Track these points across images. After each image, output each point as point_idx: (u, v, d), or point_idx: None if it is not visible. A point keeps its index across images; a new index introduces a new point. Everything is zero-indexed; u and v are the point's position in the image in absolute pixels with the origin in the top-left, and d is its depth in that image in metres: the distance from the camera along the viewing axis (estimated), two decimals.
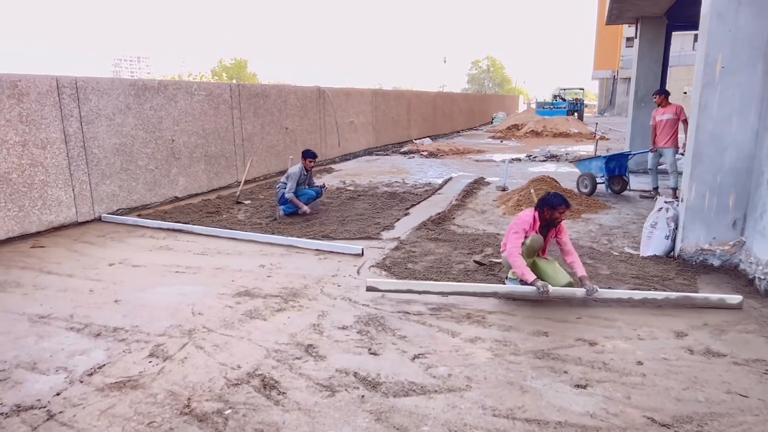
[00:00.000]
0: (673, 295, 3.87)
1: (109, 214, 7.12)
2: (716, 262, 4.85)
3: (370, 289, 4.08)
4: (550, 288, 3.95)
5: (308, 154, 7.33)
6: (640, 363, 3.18)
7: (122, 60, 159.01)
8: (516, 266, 4.06)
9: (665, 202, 5.35)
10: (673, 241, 5.20)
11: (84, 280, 4.74)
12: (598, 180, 8.80)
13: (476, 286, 4.15)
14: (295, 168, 7.23)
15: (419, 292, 4.05)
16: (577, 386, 2.93)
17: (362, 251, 5.44)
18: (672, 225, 5.17)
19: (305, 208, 7.07)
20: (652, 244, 5.25)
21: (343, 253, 5.47)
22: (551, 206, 4.17)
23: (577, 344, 3.43)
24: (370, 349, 3.38)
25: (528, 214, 4.31)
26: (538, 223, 4.26)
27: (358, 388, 2.93)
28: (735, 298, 3.92)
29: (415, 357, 3.27)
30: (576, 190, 8.57)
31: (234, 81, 39.37)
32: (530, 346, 3.41)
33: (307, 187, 7.44)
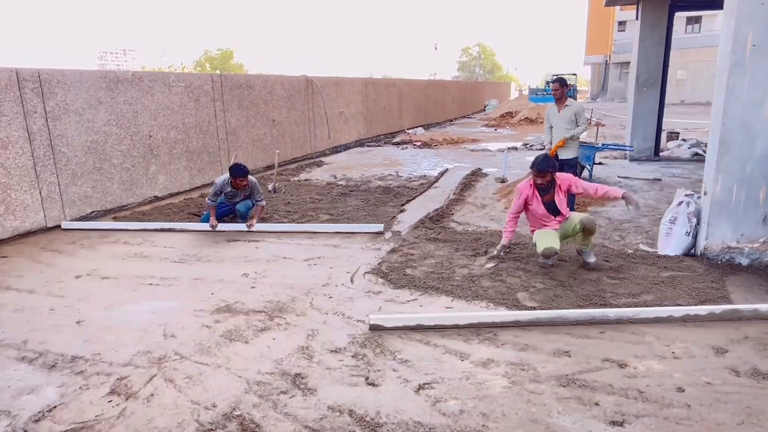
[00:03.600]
0: (718, 309, 3.42)
1: (71, 221, 6.46)
2: (744, 261, 4.43)
3: (374, 328, 3.46)
4: (495, 251, 4.74)
5: (234, 172, 6.01)
6: (680, 390, 2.75)
7: (108, 53, 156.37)
8: (504, 229, 4.81)
9: (686, 195, 4.91)
10: (695, 237, 4.77)
11: (45, 296, 4.23)
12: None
13: (495, 315, 3.58)
14: (219, 179, 6.21)
15: (431, 328, 3.45)
16: (613, 423, 2.49)
17: (383, 229, 5.74)
18: (694, 220, 4.74)
19: (214, 222, 5.96)
20: (672, 241, 4.82)
21: (336, 258, 5.00)
22: (531, 167, 4.53)
23: (605, 366, 2.99)
24: (367, 379, 2.92)
25: (525, 181, 4.73)
26: (533, 188, 4.61)
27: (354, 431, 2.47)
28: None
29: (419, 388, 2.82)
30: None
31: (217, 72, 38.41)
32: (552, 370, 2.97)
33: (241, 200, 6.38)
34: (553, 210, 4.61)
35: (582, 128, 6.25)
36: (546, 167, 4.45)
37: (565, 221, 4.61)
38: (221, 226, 6.02)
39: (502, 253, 4.75)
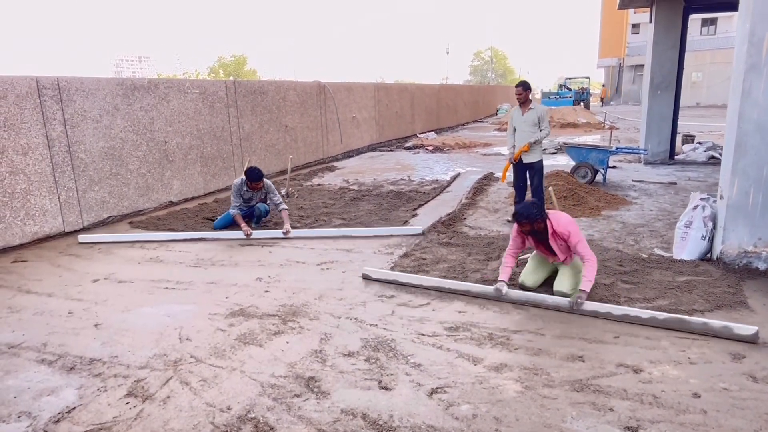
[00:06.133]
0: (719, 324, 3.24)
1: (86, 231, 6.61)
2: (762, 266, 4.37)
3: (365, 277, 4.49)
4: (504, 290, 3.97)
5: (250, 176, 6.18)
6: (696, 395, 2.72)
7: (123, 60, 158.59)
8: (503, 265, 4.14)
9: (701, 199, 4.86)
10: (711, 242, 4.72)
11: (64, 300, 4.31)
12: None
13: (455, 283, 4.26)
14: (237, 180, 6.34)
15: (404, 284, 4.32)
16: (627, 429, 2.47)
17: (423, 231, 5.94)
18: (710, 224, 4.69)
19: (246, 229, 6.00)
20: (687, 245, 4.77)
21: (349, 263, 5.02)
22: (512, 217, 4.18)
23: (619, 371, 2.97)
24: (380, 382, 2.93)
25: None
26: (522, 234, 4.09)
27: None
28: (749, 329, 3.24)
29: (432, 392, 2.82)
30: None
31: (231, 78, 38.69)
32: (565, 374, 2.96)
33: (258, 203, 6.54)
34: (551, 251, 4.08)
35: (545, 133, 6.13)
36: (522, 219, 3.86)
37: (560, 274, 4.07)
38: (256, 234, 6.06)
39: (503, 290, 3.95)
